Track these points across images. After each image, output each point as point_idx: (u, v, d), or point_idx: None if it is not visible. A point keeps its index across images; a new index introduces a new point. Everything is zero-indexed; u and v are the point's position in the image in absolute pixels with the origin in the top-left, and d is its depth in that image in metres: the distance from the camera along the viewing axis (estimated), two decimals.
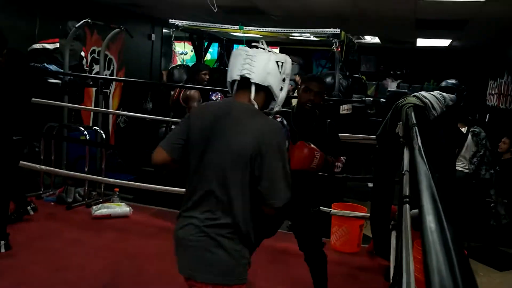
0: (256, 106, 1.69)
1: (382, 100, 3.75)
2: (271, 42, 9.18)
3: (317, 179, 2.71)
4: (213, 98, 4.69)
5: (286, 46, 9.27)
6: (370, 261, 3.77)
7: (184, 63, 7.02)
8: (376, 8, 4.96)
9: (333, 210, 3.89)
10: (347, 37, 5.29)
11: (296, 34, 5.75)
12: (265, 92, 1.71)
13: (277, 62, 1.69)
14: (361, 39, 7.67)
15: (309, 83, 2.60)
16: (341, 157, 2.67)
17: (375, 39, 7.85)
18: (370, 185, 5.73)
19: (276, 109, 1.78)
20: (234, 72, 1.70)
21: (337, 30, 4.79)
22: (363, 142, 3.96)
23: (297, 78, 8.55)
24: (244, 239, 1.67)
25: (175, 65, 7.18)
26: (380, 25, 6.22)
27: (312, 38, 6.79)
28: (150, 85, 7.90)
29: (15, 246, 3.36)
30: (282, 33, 5.52)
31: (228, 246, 1.63)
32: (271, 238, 3.96)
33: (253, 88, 1.67)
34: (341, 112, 4.81)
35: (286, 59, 1.75)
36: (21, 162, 4.50)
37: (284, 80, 1.74)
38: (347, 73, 5.26)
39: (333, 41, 4.88)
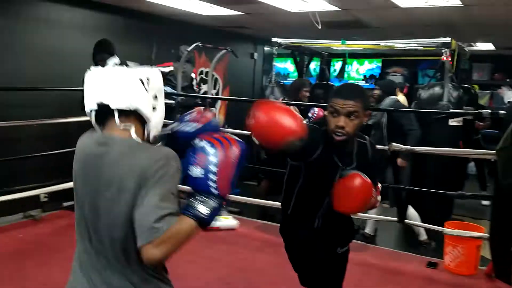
0: (134, 135, 1.37)
1: (501, 112, 3.48)
2: (373, 54, 9.01)
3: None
4: (309, 114, 4.68)
5: (388, 58, 9.02)
6: (489, 284, 3.49)
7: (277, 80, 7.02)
8: (491, 13, 4.64)
9: (446, 229, 3.68)
10: (458, 46, 5.01)
11: (400, 44, 5.58)
12: (135, 115, 1.37)
13: (141, 79, 1.37)
14: (473, 46, 7.20)
15: (335, 99, 1.88)
16: (378, 185, 2.08)
17: (489, 46, 7.31)
18: (485, 202, 5.32)
19: (154, 133, 1.43)
20: (90, 100, 1.38)
21: (448, 39, 4.55)
22: (475, 157, 3.70)
23: (396, 90, 8.20)
24: None
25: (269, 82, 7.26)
26: (495, 31, 5.80)
27: (417, 47, 6.52)
28: (252, 102, 8.17)
29: None
30: (386, 46, 5.39)
31: None
32: (381, 256, 3.88)
33: (116, 115, 1.35)
34: (450, 123, 4.57)
35: (151, 72, 1.42)
36: None
37: (156, 97, 1.41)
38: (457, 84, 4.97)
39: (443, 50, 4.65)
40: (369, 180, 1.87)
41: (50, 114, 4.49)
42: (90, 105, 1.38)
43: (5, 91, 4.24)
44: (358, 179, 1.85)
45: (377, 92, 4.66)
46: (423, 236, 4.25)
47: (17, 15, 4.44)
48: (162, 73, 4.90)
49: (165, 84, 5.40)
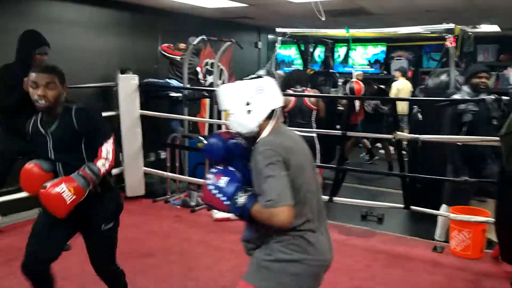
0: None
1: (505, 98, 3.51)
2: (377, 39, 8.99)
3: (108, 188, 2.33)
4: None
5: (393, 44, 9.01)
6: (495, 267, 3.58)
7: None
8: None
9: (452, 214, 3.76)
10: (461, 30, 5.01)
11: (404, 31, 5.58)
12: None
13: None
14: (477, 28, 7.16)
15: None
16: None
17: (494, 27, 7.27)
18: None
19: None
20: (277, 101, 1.81)
21: (451, 25, 4.55)
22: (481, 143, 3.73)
23: (397, 74, 8.19)
24: None
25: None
26: (498, 13, 5.79)
27: (421, 31, 6.51)
28: None
29: (154, 246, 3.81)
30: (390, 33, 5.40)
31: None
32: (387, 241, 3.97)
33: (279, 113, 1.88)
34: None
35: None
36: (150, 169, 5.06)
37: None
38: (463, 67, 4.98)
39: (446, 36, 4.66)
40: None
41: None
42: (278, 104, 1.81)
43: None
44: None
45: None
46: (439, 238, 4.08)
47: (25, 15, 4.51)
48: (172, 60, 4.86)
49: (171, 78, 5.49)
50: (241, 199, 1.66)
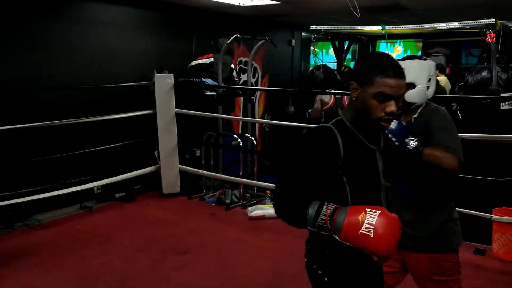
0: None
1: None
2: (413, 35, 8.77)
3: None
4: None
5: (430, 40, 8.79)
6: None
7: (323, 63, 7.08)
8: None
9: (494, 216, 3.64)
10: (502, 26, 4.84)
11: (442, 26, 5.44)
12: None
13: None
14: None
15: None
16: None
17: None
18: None
19: None
20: None
21: (492, 20, 4.42)
22: None
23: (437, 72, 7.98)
24: None
25: (316, 66, 7.30)
26: None
27: (461, 26, 6.32)
28: (292, 91, 8.28)
29: (190, 243, 3.86)
30: (428, 30, 5.27)
31: None
32: None
33: None
34: (501, 108, 4.46)
35: None
36: (185, 167, 5.12)
37: None
38: (504, 65, 4.82)
39: (487, 32, 4.52)
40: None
41: (101, 111, 4.69)
42: None
43: (61, 91, 4.50)
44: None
45: None
46: None
47: (64, 17, 4.63)
48: (203, 64, 4.94)
49: (206, 76, 5.53)
50: (414, 142, 1.83)
